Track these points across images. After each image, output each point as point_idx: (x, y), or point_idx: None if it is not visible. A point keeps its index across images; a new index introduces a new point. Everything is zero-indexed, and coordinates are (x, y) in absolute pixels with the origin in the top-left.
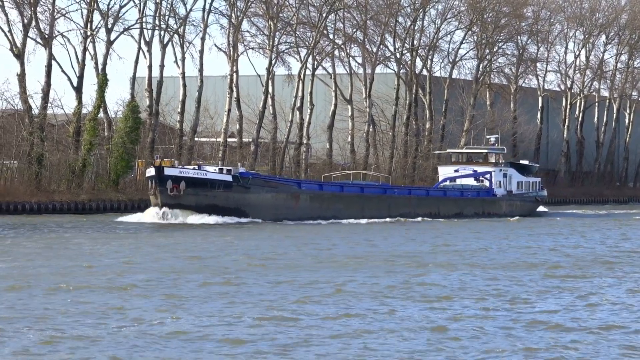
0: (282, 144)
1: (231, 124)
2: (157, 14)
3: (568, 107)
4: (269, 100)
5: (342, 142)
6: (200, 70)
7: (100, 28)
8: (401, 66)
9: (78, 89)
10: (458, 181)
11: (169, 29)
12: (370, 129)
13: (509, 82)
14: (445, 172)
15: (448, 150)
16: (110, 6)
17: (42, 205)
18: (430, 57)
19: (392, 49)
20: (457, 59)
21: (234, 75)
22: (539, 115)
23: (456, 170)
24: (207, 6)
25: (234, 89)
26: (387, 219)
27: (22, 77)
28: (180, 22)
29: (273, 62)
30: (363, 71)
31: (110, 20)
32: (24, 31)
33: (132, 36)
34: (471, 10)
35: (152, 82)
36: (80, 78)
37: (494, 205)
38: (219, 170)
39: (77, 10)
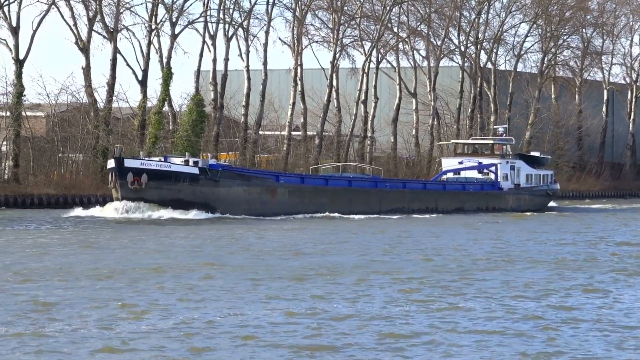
0: (346, 137)
1: (295, 117)
2: (222, 8)
3: (633, 100)
4: (333, 94)
5: (406, 135)
6: (265, 63)
7: (164, 22)
8: (466, 59)
9: (143, 83)
10: (462, 174)
11: (234, 23)
12: (435, 123)
13: (574, 75)
14: (448, 164)
15: (452, 141)
16: (174, 0)
17: (107, 199)
18: (495, 50)
19: (456, 42)
20: (522, 52)
21: (298, 68)
22: (604, 109)
23: (460, 163)
24: None
25: (298, 82)
26: (379, 215)
27: (87, 70)
28: (245, 16)
29: (337, 55)
30: (427, 64)
31: (175, 14)
32: (89, 25)
33: (196, 30)
34: (536, 3)
35: (216, 76)
36: (145, 72)
37: (499, 199)
38: (184, 162)
39: (142, 4)
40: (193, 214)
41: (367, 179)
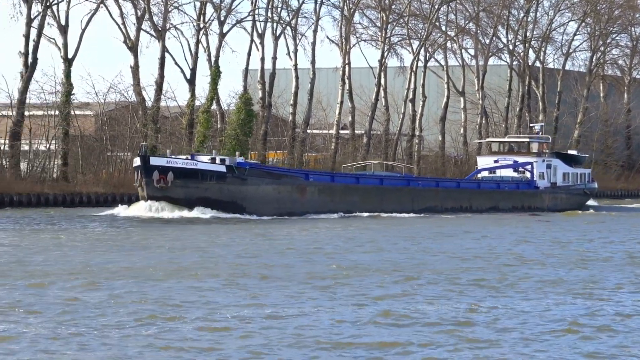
0: (394, 136)
1: (343, 115)
2: (270, 6)
3: None
4: (381, 92)
5: (454, 134)
6: (313, 62)
7: (213, 20)
8: (514, 58)
9: (191, 81)
10: (498, 172)
11: (282, 21)
12: (483, 121)
13: (622, 74)
14: (483, 162)
15: (488, 139)
16: None
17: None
18: (543, 48)
19: (505, 40)
20: (570, 51)
21: (346, 67)
22: None
23: (496, 161)
24: None
25: (347, 81)
26: (412, 214)
27: (135, 69)
28: (293, 14)
29: (385, 54)
30: (475, 63)
31: (223, 13)
32: (137, 24)
33: (244, 28)
34: (585, 1)
35: (264, 74)
36: (193, 70)
37: (534, 198)
38: (211, 160)
39: (190, 2)
40: (219, 214)
41: (399, 177)
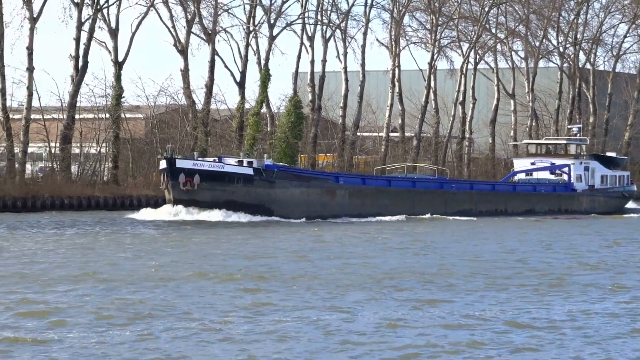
0: (444, 138)
1: (393, 118)
2: (319, 9)
3: None
4: (431, 95)
5: (504, 136)
6: (363, 64)
7: (262, 23)
8: (564, 60)
9: (241, 84)
10: (535, 175)
11: (331, 24)
12: (533, 124)
13: None
14: (520, 164)
15: (524, 141)
16: (272, 2)
17: None
18: (593, 50)
19: (555, 42)
20: (620, 53)
21: (396, 69)
22: None
23: (532, 163)
24: (369, 1)
25: (396, 84)
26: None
27: (185, 72)
28: (342, 17)
29: (435, 56)
30: (526, 65)
31: (273, 16)
32: (187, 27)
33: (294, 31)
34: (635, 3)
35: (314, 77)
36: (243, 73)
37: (572, 201)
38: (238, 163)
39: (239, 5)
40: (248, 217)
41: (432, 179)
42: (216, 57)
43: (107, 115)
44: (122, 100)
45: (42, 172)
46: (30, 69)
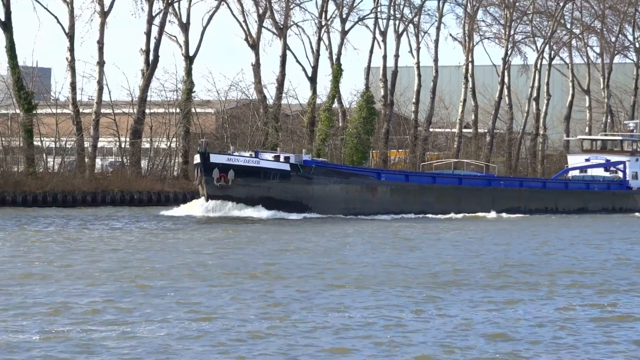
0: (518, 135)
1: (466, 114)
2: (392, 4)
3: None
4: (505, 91)
5: (579, 133)
6: (435, 60)
7: (334, 18)
8: None
9: (312, 79)
10: (589, 172)
11: (404, 19)
12: (609, 120)
13: None
14: (574, 161)
15: (579, 137)
16: None
17: None
18: None
19: (631, 38)
20: None
21: (469, 65)
22: None
23: (587, 160)
24: None
25: (469, 79)
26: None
27: (257, 67)
28: (415, 12)
29: (509, 51)
30: (601, 61)
31: (345, 10)
32: (259, 21)
33: (366, 26)
34: None
35: (386, 72)
36: (315, 68)
37: (627, 199)
38: (274, 158)
39: (311, 0)
40: (283, 214)
41: (479, 176)
42: (287, 52)
43: (178, 110)
44: (193, 94)
45: (112, 167)
46: (101, 63)
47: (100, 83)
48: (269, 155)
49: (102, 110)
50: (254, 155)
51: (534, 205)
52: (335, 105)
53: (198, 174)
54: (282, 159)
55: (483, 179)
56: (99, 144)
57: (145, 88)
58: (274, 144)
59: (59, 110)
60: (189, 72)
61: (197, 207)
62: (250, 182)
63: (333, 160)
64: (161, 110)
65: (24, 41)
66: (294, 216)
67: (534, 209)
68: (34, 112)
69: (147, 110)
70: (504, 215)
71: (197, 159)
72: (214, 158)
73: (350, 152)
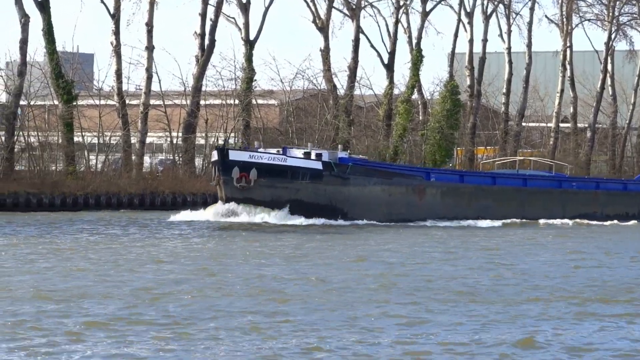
0: (622, 130)
1: (564, 106)
2: None
3: None
4: (608, 80)
5: None
6: (529, 45)
7: None
8: None
9: (389, 67)
10: None
11: None
12: None
13: None
14: None
15: None
16: None
17: None
18: None
19: None
20: None
21: (567, 50)
22: None
23: None
24: None
25: (567, 67)
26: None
27: (326, 53)
28: None
29: (612, 35)
30: None
31: None
32: (328, 2)
33: (450, 6)
34: None
35: (473, 59)
36: (392, 54)
37: None
38: (304, 155)
39: None
40: (313, 220)
41: (547, 177)
42: (361, 36)
43: (237, 101)
44: (254, 84)
45: (162, 166)
46: (150, 48)
47: (149, 71)
48: (299, 152)
49: (151, 102)
50: (281, 152)
51: (612, 211)
52: (415, 96)
53: (215, 173)
54: (313, 157)
55: (552, 179)
56: (148, 140)
57: (199, 76)
58: (345, 140)
59: (102, 102)
60: (249, 58)
61: (211, 212)
62: (275, 182)
63: (412, 159)
64: (218, 101)
65: (63, 24)
66: (329, 222)
67: (612, 214)
68: (75, 103)
69: (202, 102)
70: (577, 221)
71: (214, 155)
72: (234, 155)
73: (432, 149)
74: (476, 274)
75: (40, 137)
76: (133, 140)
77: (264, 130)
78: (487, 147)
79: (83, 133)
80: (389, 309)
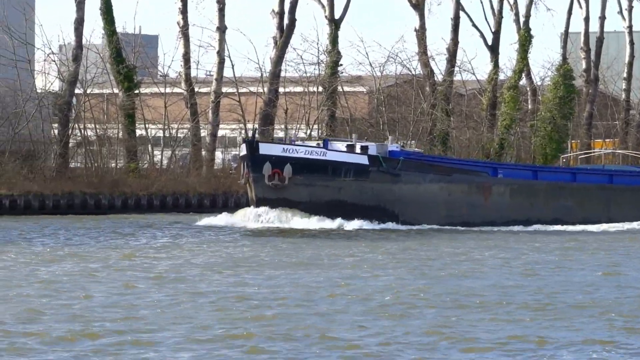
0: None
1: None
2: None
3: None
4: None
5: None
6: None
7: None
8: None
9: (493, 49)
10: None
11: None
12: None
13: None
14: None
15: None
16: None
17: None
18: None
19: None
20: None
21: None
22: None
23: None
24: None
25: None
26: None
27: (421, 33)
28: None
29: None
30: None
31: None
32: None
33: None
34: None
35: (589, 39)
36: (497, 34)
37: None
38: (348, 148)
39: None
40: (358, 224)
41: (638, 173)
42: (461, 14)
43: (320, 89)
44: (340, 69)
45: (236, 162)
46: (222, 29)
47: (220, 54)
48: (342, 145)
49: (224, 89)
50: (321, 145)
51: None
52: (523, 81)
53: (244, 170)
54: (358, 150)
55: None
56: (220, 133)
57: (278, 60)
58: (444, 132)
59: (168, 90)
60: (334, 40)
61: (239, 216)
62: (314, 180)
63: (520, 153)
64: (299, 89)
65: (124, 1)
66: (374, 226)
67: None
68: (137, 91)
69: (280, 89)
70: None
71: (243, 149)
72: (265, 149)
73: (543, 142)
74: None
75: (98, 130)
76: (203, 133)
77: (351, 121)
78: (606, 140)
79: (146, 125)
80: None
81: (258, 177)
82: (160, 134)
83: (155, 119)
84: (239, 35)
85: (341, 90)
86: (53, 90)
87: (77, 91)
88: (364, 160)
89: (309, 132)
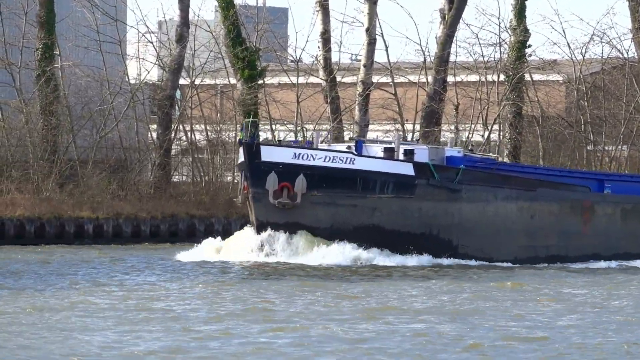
0: None
1: None
2: None
3: None
4: None
5: None
6: None
7: None
8: None
9: None
10: None
11: None
12: None
13: None
14: None
15: None
16: None
17: None
18: None
19: None
20: None
21: None
22: None
23: None
24: None
25: None
26: None
27: (636, 2)
28: None
29: None
30: None
31: None
32: None
33: None
34: None
35: None
36: None
37: None
38: (386, 153)
39: None
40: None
41: None
42: None
43: (502, 77)
44: (528, 51)
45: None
46: (373, 1)
47: (370, 33)
48: (378, 148)
49: (374, 79)
50: (352, 148)
51: None
52: None
53: (243, 182)
54: (400, 155)
55: None
56: (370, 134)
57: (446, 41)
58: None
59: (301, 79)
60: (520, 12)
61: (236, 244)
62: (337, 198)
63: None
64: (473, 77)
65: None
66: (422, 261)
67: None
68: (260, 82)
69: (450, 78)
70: None
71: (241, 155)
72: (268, 153)
73: None
74: None
75: (209, 133)
76: (347, 135)
77: (543, 119)
78: None
79: (273, 125)
80: None
81: (259, 194)
82: (291, 136)
83: (285, 117)
84: (395, 7)
85: (529, 79)
86: (150, 80)
87: (181, 82)
88: (408, 169)
89: (486, 133)
